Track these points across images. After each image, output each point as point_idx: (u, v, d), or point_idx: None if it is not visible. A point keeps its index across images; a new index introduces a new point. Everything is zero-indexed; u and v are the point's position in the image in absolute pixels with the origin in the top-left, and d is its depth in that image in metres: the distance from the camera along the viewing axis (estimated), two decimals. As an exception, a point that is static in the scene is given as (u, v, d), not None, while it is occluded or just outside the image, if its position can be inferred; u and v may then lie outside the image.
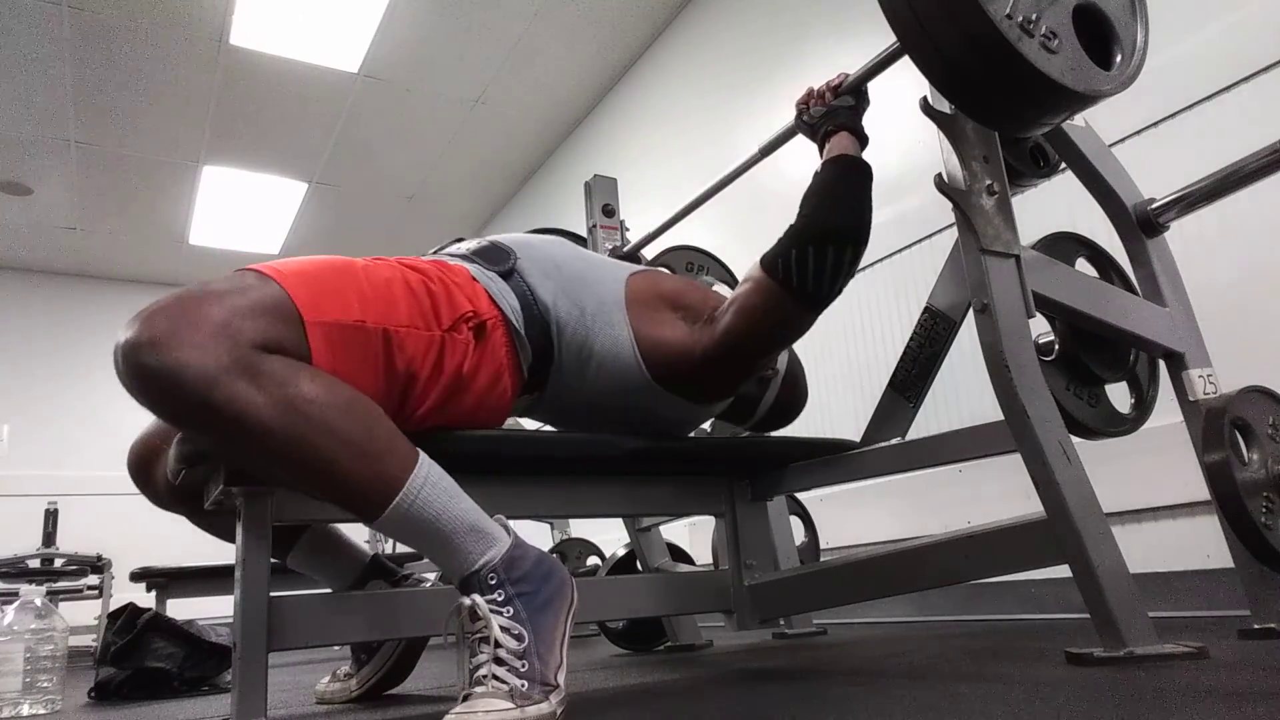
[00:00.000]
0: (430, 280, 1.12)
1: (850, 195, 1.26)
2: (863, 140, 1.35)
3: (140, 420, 1.24)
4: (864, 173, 1.27)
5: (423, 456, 0.94)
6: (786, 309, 1.23)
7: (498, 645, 0.87)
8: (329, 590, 1.33)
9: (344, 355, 0.97)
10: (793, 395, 1.52)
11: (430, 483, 0.93)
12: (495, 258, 1.25)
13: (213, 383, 0.83)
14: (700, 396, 1.32)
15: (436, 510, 0.92)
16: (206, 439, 0.95)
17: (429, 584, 1.35)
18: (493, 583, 0.91)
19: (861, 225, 1.23)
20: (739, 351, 1.27)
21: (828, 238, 1.20)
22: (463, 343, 1.11)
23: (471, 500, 0.96)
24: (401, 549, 4.16)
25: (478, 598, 0.90)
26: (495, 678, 0.86)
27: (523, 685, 0.86)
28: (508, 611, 0.90)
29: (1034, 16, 0.92)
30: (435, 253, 1.31)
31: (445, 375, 1.08)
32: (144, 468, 1.21)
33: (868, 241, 1.24)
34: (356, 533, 1.45)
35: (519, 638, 0.88)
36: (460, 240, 1.34)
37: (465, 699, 0.85)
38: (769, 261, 1.22)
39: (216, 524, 1.24)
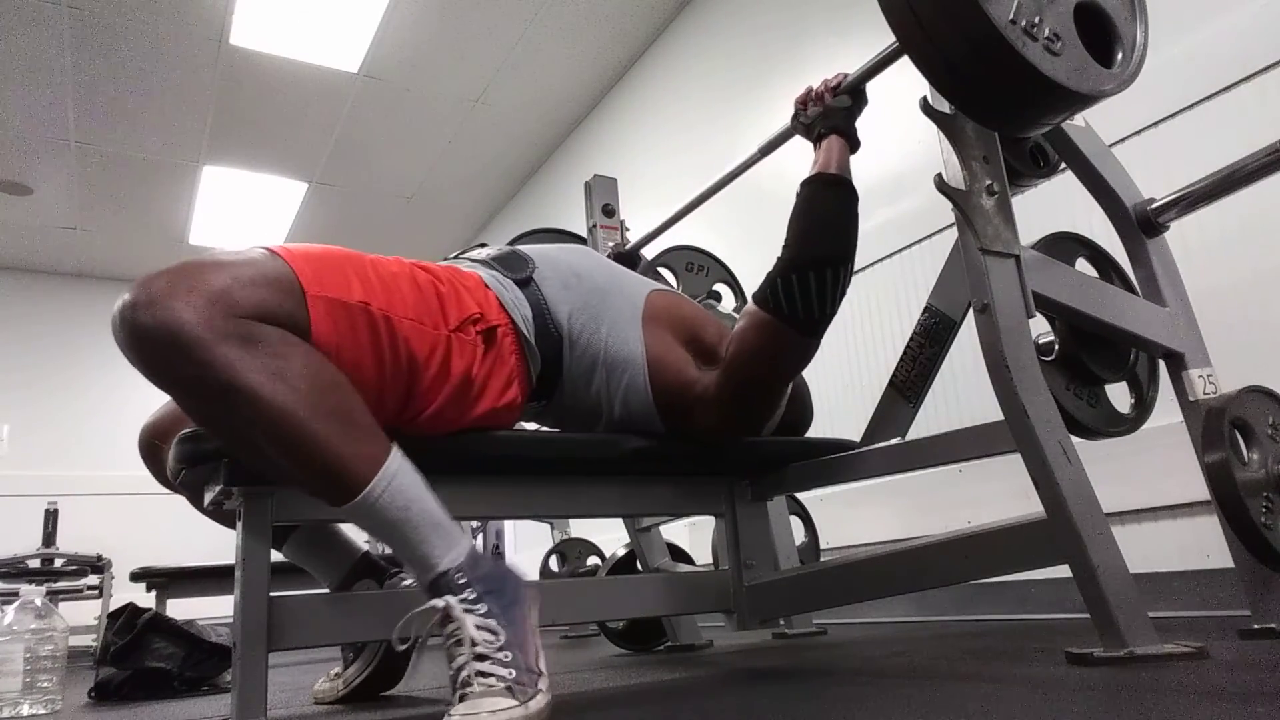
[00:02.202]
0: (439, 281, 1.13)
1: (832, 218, 1.27)
2: (854, 145, 1.35)
3: (142, 416, 1.25)
4: (846, 192, 1.28)
5: (396, 448, 0.94)
6: (787, 339, 1.25)
7: (474, 644, 0.87)
8: (329, 590, 1.33)
9: (347, 334, 0.97)
10: (799, 415, 1.54)
11: (403, 473, 0.93)
12: (513, 265, 1.27)
13: (205, 345, 0.83)
14: (697, 434, 1.33)
15: (406, 501, 0.92)
16: (194, 404, 0.93)
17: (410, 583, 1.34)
18: (462, 582, 0.91)
19: (845, 250, 1.26)
20: (745, 389, 1.28)
21: (812, 266, 1.22)
22: (470, 345, 1.11)
23: (436, 497, 0.96)
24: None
25: (451, 599, 0.90)
26: (481, 674, 0.86)
27: (511, 675, 0.86)
28: (480, 610, 0.90)
29: (1037, 20, 0.92)
30: (456, 256, 1.32)
31: (454, 377, 1.09)
32: (154, 451, 1.21)
33: (854, 261, 1.26)
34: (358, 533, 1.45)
35: (496, 633, 0.89)
36: (483, 245, 1.35)
37: (461, 699, 0.85)
38: (761, 297, 1.25)
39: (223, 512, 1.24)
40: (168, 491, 1.23)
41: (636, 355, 1.27)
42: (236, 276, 0.89)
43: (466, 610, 0.90)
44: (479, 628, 0.89)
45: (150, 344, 0.84)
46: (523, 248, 1.33)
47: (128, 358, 0.86)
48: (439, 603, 0.91)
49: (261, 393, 0.85)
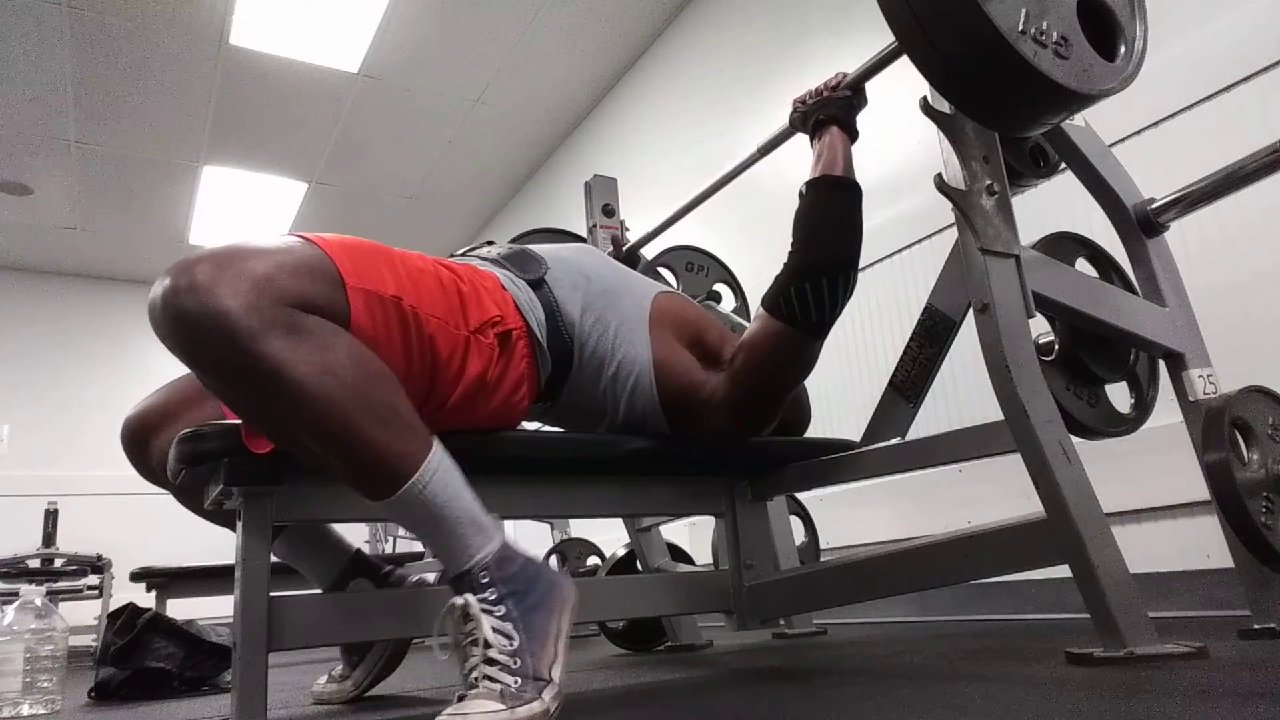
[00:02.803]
0: (461, 280, 1.13)
1: (839, 222, 1.28)
2: (853, 135, 1.35)
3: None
4: (852, 194, 1.28)
5: (436, 442, 0.94)
6: (795, 342, 1.26)
7: (487, 646, 0.87)
8: (320, 590, 1.33)
9: (382, 327, 0.98)
10: (797, 416, 1.55)
11: (444, 468, 0.93)
12: (526, 266, 1.27)
13: (253, 335, 0.82)
14: (703, 436, 1.33)
15: (446, 496, 0.91)
16: (236, 393, 0.91)
17: (415, 579, 1.34)
18: (485, 581, 0.91)
19: (853, 254, 1.27)
20: (755, 393, 1.29)
21: (821, 270, 1.23)
22: (488, 347, 1.11)
23: (473, 491, 0.96)
24: (402, 549, 4.16)
25: (470, 597, 0.90)
26: (487, 678, 0.85)
27: (515, 683, 0.85)
28: (499, 611, 0.89)
29: (1044, 25, 0.92)
30: (465, 254, 1.32)
31: (469, 378, 1.09)
32: (139, 444, 1.20)
33: (859, 263, 1.27)
34: (355, 533, 1.45)
35: (509, 637, 0.88)
36: (491, 244, 1.35)
37: (459, 699, 0.85)
38: (770, 302, 1.26)
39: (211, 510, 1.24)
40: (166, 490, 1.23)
41: (644, 358, 1.27)
42: (280, 264, 0.88)
43: (485, 610, 0.89)
44: (494, 630, 0.88)
45: (195, 331, 0.83)
46: (532, 247, 1.33)
47: (168, 345, 0.85)
48: (458, 600, 0.90)
49: (309, 385, 0.84)
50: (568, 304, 1.25)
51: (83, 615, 3.91)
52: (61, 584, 4.14)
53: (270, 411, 0.90)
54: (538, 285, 1.25)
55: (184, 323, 0.82)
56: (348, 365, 0.88)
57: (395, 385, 0.93)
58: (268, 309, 0.84)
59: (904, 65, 1.12)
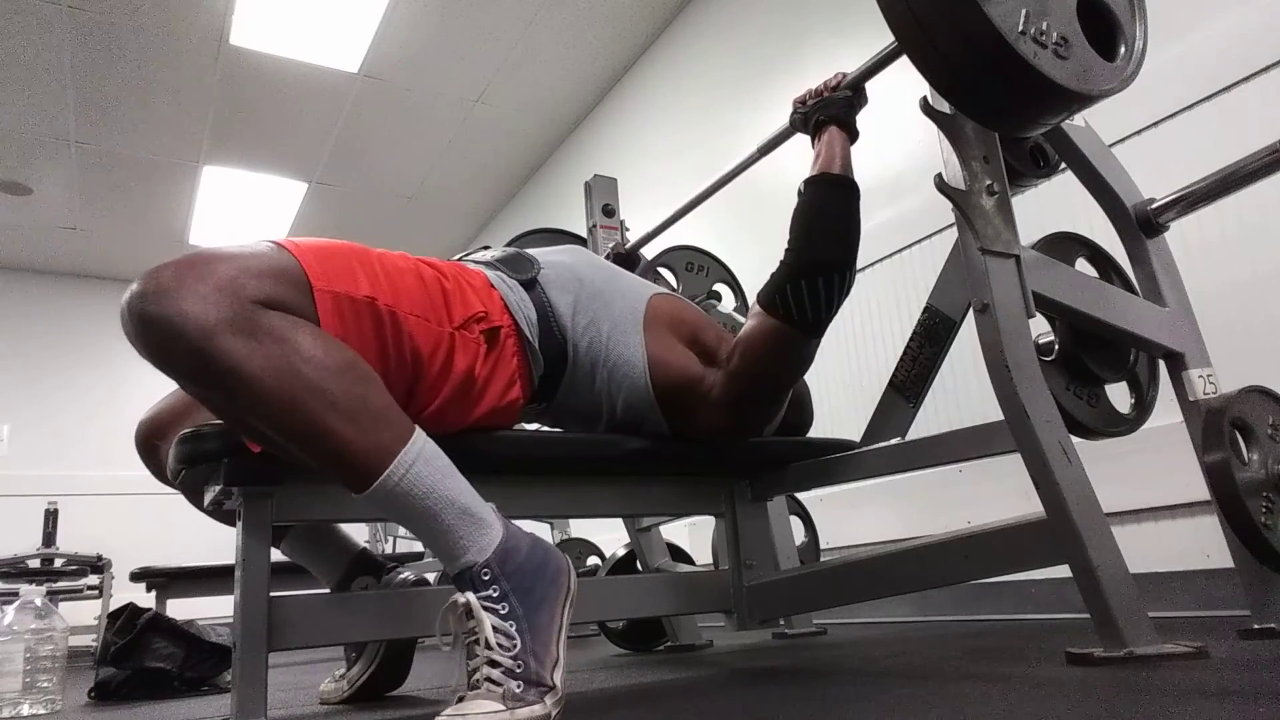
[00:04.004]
0: (444, 277, 1.13)
1: (837, 221, 1.27)
2: (853, 135, 1.35)
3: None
4: (850, 193, 1.28)
5: (418, 431, 0.93)
6: (791, 340, 1.26)
7: (489, 647, 0.86)
8: (329, 590, 1.33)
9: (353, 328, 0.97)
10: (800, 416, 1.55)
11: (424, 459, 0.91)
12: (518, 266, 1.27)
13: (210, 334, 0.83)
14: (701, 435, 1.33)
15: (428, 487, 0.90)
16: (201, 393, 0.92)
17: (403, 576, 1.33)
18: (486, 578, 0.89)
19: (851, 253, 1.27)
20: (752, 391, 1.29)
21: (818, 269, 1.23)
22: (474, 343, 1.11)
23: (467, 483, 0.94)
24: (403, 549, 4.16)
25: (471, 596, 0.89)
26: (490, 680, 0.85)
27: (516, 686, 0.84)
28: (502, 609, 0.88)
29: (1044, 25, 0.92)
30: (460, 258, 1.33)
31: (456, 375, 1.09)
32: (152, 448, 1.21)
33: (856, 263, 1.27)
34: (355, 534, 1.45)
35: (512, 637, 0.87)
36: (486, 248, 1.36)
37: (460, 700, 0.84)
38: (766, 300, 1.26)
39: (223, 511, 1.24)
40: (168, 491, 1.23)
41: (638, 358, 1.27)
42: (244, 268, 0.89)
43: (486, 609, 0.88)
44: (496, 630, 0.87)
45: (157, 334, 0.84)
46: (526, 250, 1.33)
47: (136, 348, 0.86)
48: (459, 598, 0.89)
49: (265, 381, 0.85)
50: (560, 305, 1.26)
51: (83, 615, 3.91)
52: (61, 584, 4.14)
53: (234, 410, 0.91)
54: (530, 285, 1.25)
55: (146, 325, 0.84)
56: (308, 361, 0.87)
57: (365, 374, 0.91)
58: (227, 309, 0.84)
59: (904, 65, 1.12)
